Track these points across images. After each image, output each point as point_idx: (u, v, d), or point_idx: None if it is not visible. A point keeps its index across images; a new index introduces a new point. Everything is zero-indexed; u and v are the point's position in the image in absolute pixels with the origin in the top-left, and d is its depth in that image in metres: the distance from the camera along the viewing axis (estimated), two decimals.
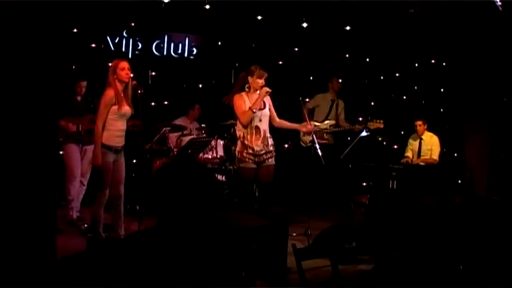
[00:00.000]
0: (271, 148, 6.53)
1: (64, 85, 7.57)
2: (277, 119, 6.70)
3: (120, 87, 6.01)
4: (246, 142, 6.41)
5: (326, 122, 9.18)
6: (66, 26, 8.83)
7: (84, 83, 7.44)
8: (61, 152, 7.38)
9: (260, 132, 6.44)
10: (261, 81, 6.41)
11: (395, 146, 9.63)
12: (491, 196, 8.73)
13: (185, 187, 6.98)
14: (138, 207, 6.98)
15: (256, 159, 6.43)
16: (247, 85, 6.51)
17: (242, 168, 6.49)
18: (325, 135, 8.32)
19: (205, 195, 6.91)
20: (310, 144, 9.04)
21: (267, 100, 6.56)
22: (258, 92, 6.44)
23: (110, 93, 5.96)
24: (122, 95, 6.03)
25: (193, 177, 7.02)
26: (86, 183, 7.48)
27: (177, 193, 6.93)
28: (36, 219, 3.59)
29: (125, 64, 6.01)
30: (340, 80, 9.60)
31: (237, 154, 6.57)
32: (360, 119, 8.98)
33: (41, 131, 3.66)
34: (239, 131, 6.53)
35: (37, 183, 3.60)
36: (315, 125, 8.48)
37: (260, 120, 6.44)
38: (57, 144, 7.34)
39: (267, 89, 6.37)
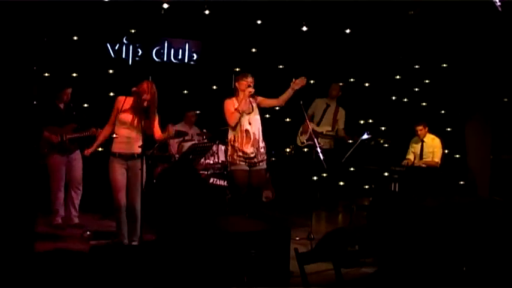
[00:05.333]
0: (262, 150, 6.66)
1: (47, 93, 7.59)
2: (273, 100, 6.81)
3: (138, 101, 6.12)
4: (236, 145, 6.56)
5: (322, 127, 9.25)
6: (67, 34, 8.87)
7: (70, 90, 7.44)
8: (45, 163, 7.36)
9: (250, 136, 6.57)
10: (245, 83, 6.56)
11: (397, 149, 9.59)
12: (494, 197, 8.71)
13: (180, 196, 7.03)
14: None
15: (247, 162, 6.54)
16: (236, 92, 6.69)
17: (234, 171, 6.61)
18: (319, 139, 8.28)
19: (200, 203, 6.94)
20: (306, 143, 9.17)
21: (255, 104, 6.72)
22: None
23: (119, 98, 6.20)
24: (137, 108, 6.11)
25: (187, 185, 7.07)
26: (81, 188, 7.49)
27: (174, 202, 6.96)
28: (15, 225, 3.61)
29: (146, 96, 6.13)
30: (338, 87, 9.61)
31: (228, 158, 6.74)
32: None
33: (21, 139, 3.67)
34: (230, 135, 6.69)
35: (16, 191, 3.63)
36: (312, 128, 8.56)
37: (250, 124, 6.60)
38: (41, 155, 7.32)
39: (250, 89, 6.51)
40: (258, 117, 6.70)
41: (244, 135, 6.56)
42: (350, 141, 8.96)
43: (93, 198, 7.64)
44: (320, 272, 5.16)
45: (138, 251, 4.81)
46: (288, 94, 6.62)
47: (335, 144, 9.37)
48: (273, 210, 8.99)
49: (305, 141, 9.33)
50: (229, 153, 6.70)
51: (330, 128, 9.30)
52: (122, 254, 4.26)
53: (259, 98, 6.74)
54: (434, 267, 4.40)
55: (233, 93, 6.75)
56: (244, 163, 6.54)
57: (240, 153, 6.54)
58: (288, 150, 9.25)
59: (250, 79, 6.61)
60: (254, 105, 6.70)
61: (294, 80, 6.55)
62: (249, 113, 6.64)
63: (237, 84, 6.68)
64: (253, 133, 6.60)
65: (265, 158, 6.73)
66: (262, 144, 6.69)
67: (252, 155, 6.56)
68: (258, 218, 6.39)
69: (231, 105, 6.62)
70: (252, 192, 6.66)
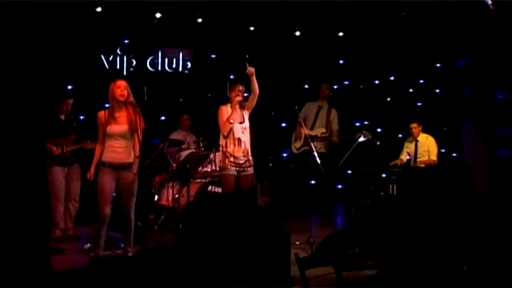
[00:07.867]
0: (250, 158, 6.99)
1: (49, 104, 7.57)
2: (250, 97, 6.97)
3: (115, 106, 5.93)
4: (228, 150, 6.84)
5: (316, 130, 9.26)
6: (61, 46, 8.87)
7: (71, 101, 7.42)
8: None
9: (241, 144, 6.90)
10: (234, 93, 6.90)
11: (393, 150, 9.60)
12: (493, 194, 8.72)
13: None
14: (139, 224, 6.94)
15: (237, 167, 6.86)
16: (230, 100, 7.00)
17: (225, 176, 6.89)
18: (314, 142, 8.16)
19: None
20: (300, 150, 9.22)
21: (246, 114, 7.00)
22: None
23: (99, 114, 5.94)
24: (118, 114, 5.93)
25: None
26: (77, 199, 7.48)
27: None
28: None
29: (120, 83, 5.91)
30: (328, 86, 9.64)
31: (219, 163, 7.08)
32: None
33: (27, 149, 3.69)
34: (222, 141, 6.97)
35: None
36: (306, 133, 8.57)
37: (242, 133, 6.92)
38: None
39: (238, 98, 6.87)
40: (248, 125, 7.01)
41: (237, 142, 6.89)
42: (346, 137, 8.99)
43: (91, 210, 7.61)
44: (321, 276, 5.16)
45: (138, 261, 4.80)
46: (252, 82, 6.87)
47: (329, 147, 9.37)
48: (271, 216, 9.00)
49: (299, 147, 9.37)
50: (220, 158, 7.04)
51: (324, 130, 9.32)
52: (123, 265, 4.27)
53: (247, 106, 7.03)
54: (434, 267, 4.41)
55: (227, 100, 7.01)
56: (234, 168, 6.85)
57: (232, 159, 6.84)
58: (270, 164, 9.26)
59: (240, 88, 6.94)
60: (245, 115, 6.99)
61: (247, 66, 6.83)
62: (241, 122, 6.94)
63: (229, 94, 7.02)
64: (244, 142, 6.93)
65: (252, 164, 7.02)
66: (250, 152, 7.00)
67: (242, 161, 6.88)
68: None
69: (224, 113, 6.92)
70: (241, 196, 6.97)
